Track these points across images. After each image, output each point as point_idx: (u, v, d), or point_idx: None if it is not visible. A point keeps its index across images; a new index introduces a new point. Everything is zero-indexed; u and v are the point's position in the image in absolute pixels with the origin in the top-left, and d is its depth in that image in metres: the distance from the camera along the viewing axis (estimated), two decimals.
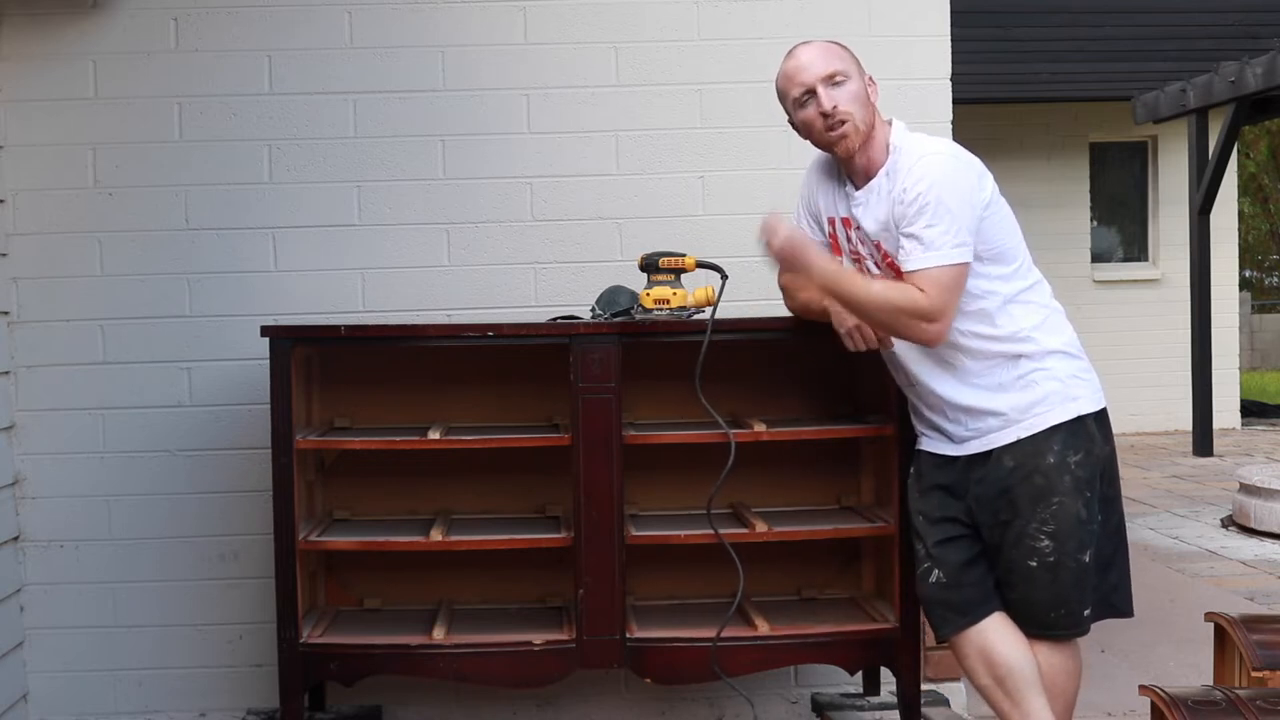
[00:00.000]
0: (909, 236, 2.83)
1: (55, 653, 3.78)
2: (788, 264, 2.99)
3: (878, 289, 2.89)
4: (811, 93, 2.92)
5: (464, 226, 3.82)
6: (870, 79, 2.96)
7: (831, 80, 2.91)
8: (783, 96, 3.00)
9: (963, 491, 2.97)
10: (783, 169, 3.74)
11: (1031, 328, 2.91)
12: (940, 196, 2.81)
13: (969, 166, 2.88)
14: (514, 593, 3.61)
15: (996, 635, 2.94)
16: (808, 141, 3.01)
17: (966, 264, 2.83)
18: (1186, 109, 9.66)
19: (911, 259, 2.83)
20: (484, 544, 3.38)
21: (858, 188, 2.98)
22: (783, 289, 3.22)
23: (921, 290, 2.81)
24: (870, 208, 2.94)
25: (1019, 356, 2.90)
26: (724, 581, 3.46)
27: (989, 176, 2.92)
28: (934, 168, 2.84)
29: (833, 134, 2.92)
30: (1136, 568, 3.06)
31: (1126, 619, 3.03)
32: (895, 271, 2.91)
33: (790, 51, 2.99)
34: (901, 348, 3.00)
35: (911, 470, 3.11)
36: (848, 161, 2.97)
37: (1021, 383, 2.90)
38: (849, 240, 3.03)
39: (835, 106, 2.89)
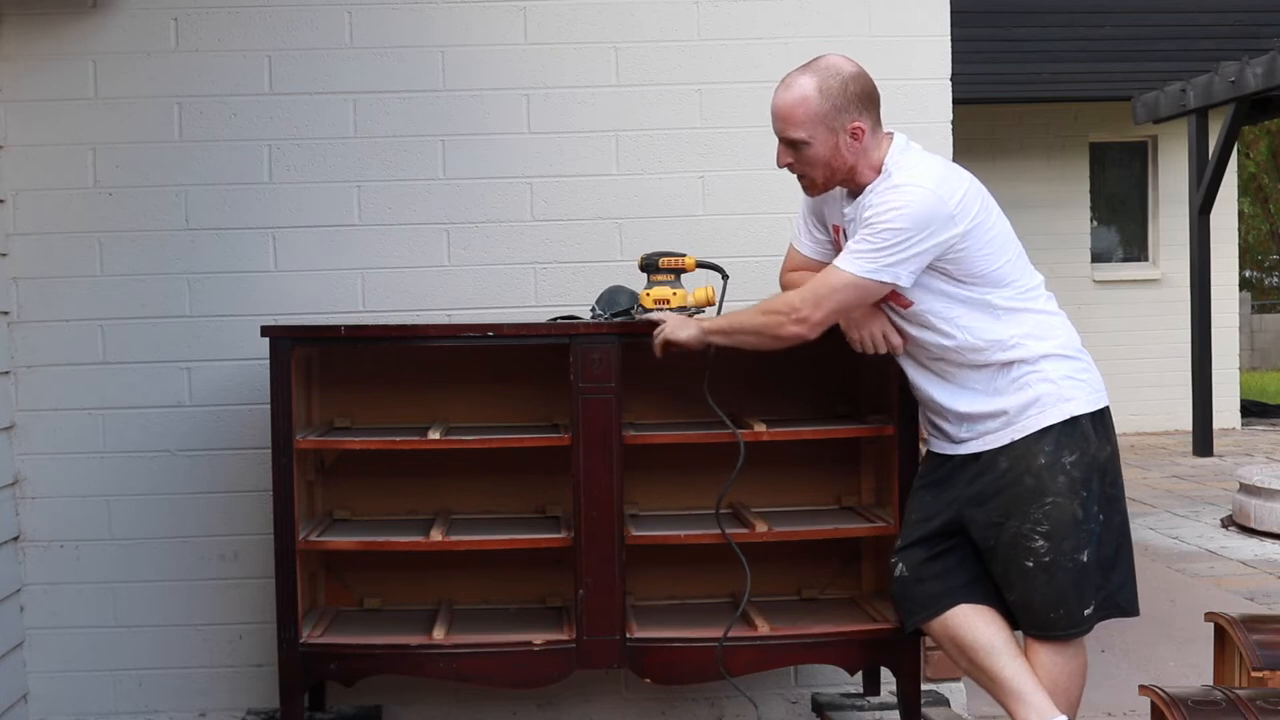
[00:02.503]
0: (852, 240, 2.93)
1: (55, 653, 3.78)
2: (680, 334, 3.13)
3: (754, 307, 3.06)
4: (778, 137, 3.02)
5: (464, 226, 3.82)
6: (855, 129, 2.92)
7: (789, 143, 2.97)
8: None
9: (952, 490, 3.01)
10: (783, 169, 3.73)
11: (1023, 335, 2.92)
12: (889, 221, 2.85)
13: (940, 203, 2.86)
14: (514, 593, 3.61)
15: (962, 619, 2.98)
16: None
17: (875, 283, 2.88)
18: (1186, 109, 9.66)
19: (838, 257, 2.94)
20: (484, 544, 3.38)
21: (849, 201, 3.03)
22: (784, 288, 3.23)
23: (805, 286, 2.95)
24: (854, 224, 2.99)
25: (1011, 363, 2.92)
26: (724, 581, 3.47)
27: (973, 205, 2.89)
28: (901, 196, 2.86)
29: (797, 178, 3.05)
30: (1136, 567, 3.06)
31: (1129, 618, 3.04)
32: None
33: (781, 81, 2.99)
34: (902, 358, 3.06)
35: (919, 469, 3.16)
36: None
37: (1015, 386, 2.92)
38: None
39: (788, 165, 3.01)
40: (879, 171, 2.95)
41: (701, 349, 3.14)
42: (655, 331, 3.18)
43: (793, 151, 2.97)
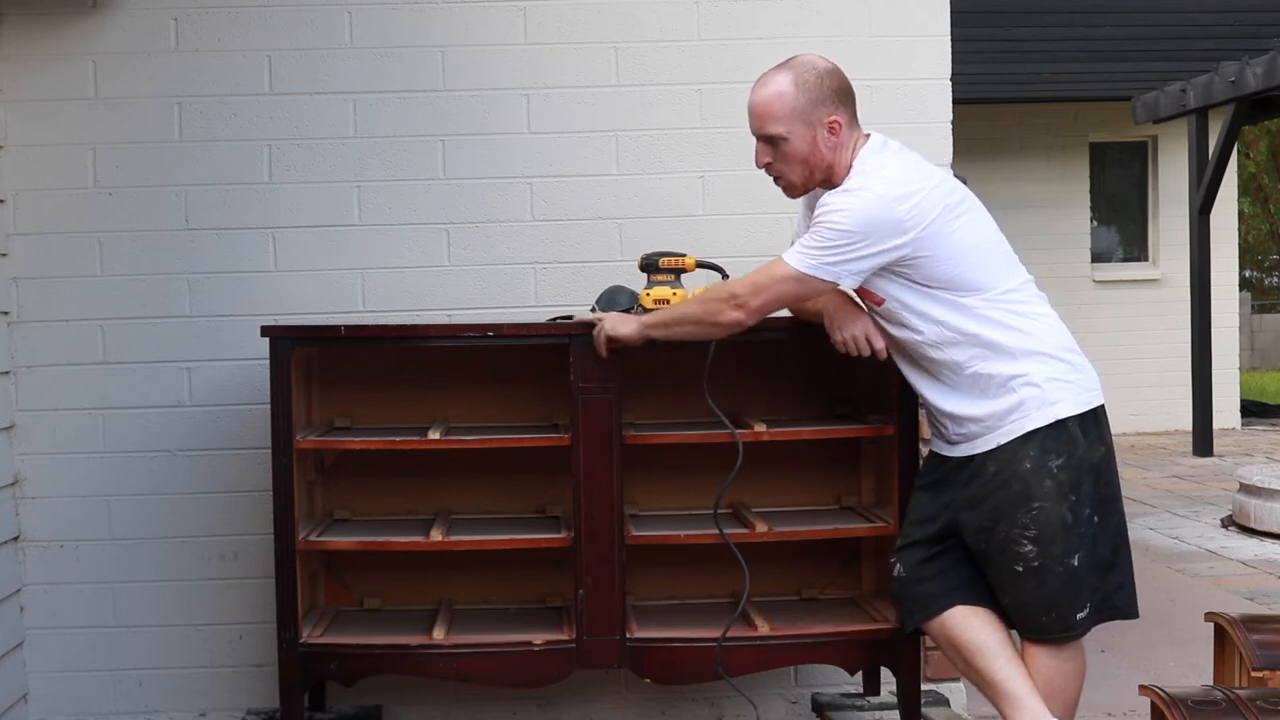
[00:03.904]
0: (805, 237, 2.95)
1: (55, 653, 3.78)
2: (621, 329, 3.13)
3: (693, 296, 3.11)
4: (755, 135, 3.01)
5: (464, 226, 3.82)
6: (832, 123, 2.93)
7: (768, 140, 2.97)
8: None
9: (949, 492, 3.00)
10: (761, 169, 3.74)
11: (1000, 338, 2.90)
12: (834, 223, 2.87)
13: (887, 210, 2.84)
14: (514, 593, 3.61)
15: (959, 619, 2.98)
16: None
17: (816, 279, 2.90)
18: (1186, 109, 9.66)
19: (787, 250, 2.96)
20: (484, 544, 3.38)
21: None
22: None
23: (748, 275, 2.99)
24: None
25: (996, 363, 2.90)
26: (724, 581, 3.47)
27: (930, 213, 2.85)
28: (849, 200, 2.88)
29: (774, 180, 3.05)
30: (1136, 568, 3.05)
31: (1129, 619, 3.03)
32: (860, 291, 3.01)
33: (756, 80, 3.00)
34: (897, 356, 3.05)
35: (920, 469, 3.17)
36: None
37: (1001, 390, 2.91)
38: None
39: (767, 165, 3.01)
40: (849, 171, 2.95)
41: (642, 344, 3.15)
42: (595, 330, 3.18)
43: (771, 149, 2.98)
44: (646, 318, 3.15)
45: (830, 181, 2.98)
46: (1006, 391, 2.90)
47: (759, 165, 3.03)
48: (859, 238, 2.84)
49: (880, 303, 2.96)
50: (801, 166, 2.97)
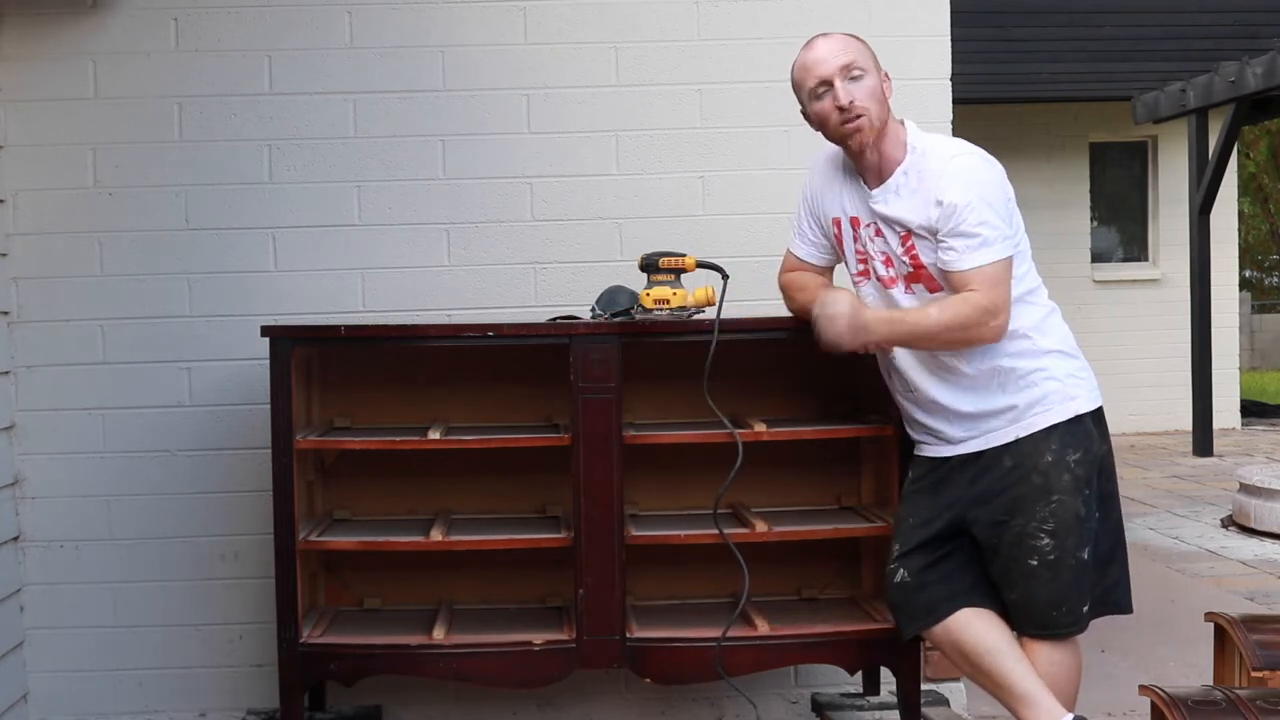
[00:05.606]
0: (959, 236, 2.84)
1: (55, 653, 3.78)
2: (853, 336, 2.94)
3: (935, 314, 2.89)
4: (828, 85, 2.91)
5: (464, 226, 3.82)
6: (886, 75, 2.96)
7: (849, 74, 2.90)
8: (798, 87, 2.99)
9: (951, 491, 2.98)
10: (783, 169, 3.74)
11: (1030, 327, 2.92)
12: (983, 196, 2.85)
13: (997, 166, 2.93)
14: (514, 593, 3.61)
15: (965, 622, 2.96)
16: (819, 134, 3.00)
17: (1011, 257, 2.88)
18: (1186, 109, 9.67)
19: (964, 258, 2.84)
20: (484, 544, 3.38)
21: (872, 186, 2.97)
22: (783, 289, 3.23)
23: (975, 290, 2.84)
24: (894, 206, 2.93)
25: (1018, 356, 2.90)
26: (724, 581, 3.47)
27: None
28: (971, 169, 2.88)
29: (847, 128, 2.91)
30: (1136, 568, 3.06)
31: (1126, 617, 3.04)
32: (916, 265, 2.91)
33: (809, 42, 2.98)
34: (899, 355, 3.01)
35: (910, 474, 3.12)
36: (859, 157, 2.96)
37: (1022, 383, 2.91)
38: (855, 239, 3.03)
39: (851, 101, 2.89)
40: (905, 150, 2.92)
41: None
42: (822, 323, 2.97)
43: (851, 84, 2.89)
44: (880, 331, 2.93)
45: (880, 148, 2.92)
46: (1028, 385, 2.90)
47: (842, 103, 2.88)
48: (1006, 191, 2.91)
49: (936, 290, 2.92)
50: (878, 106, 2.91)
